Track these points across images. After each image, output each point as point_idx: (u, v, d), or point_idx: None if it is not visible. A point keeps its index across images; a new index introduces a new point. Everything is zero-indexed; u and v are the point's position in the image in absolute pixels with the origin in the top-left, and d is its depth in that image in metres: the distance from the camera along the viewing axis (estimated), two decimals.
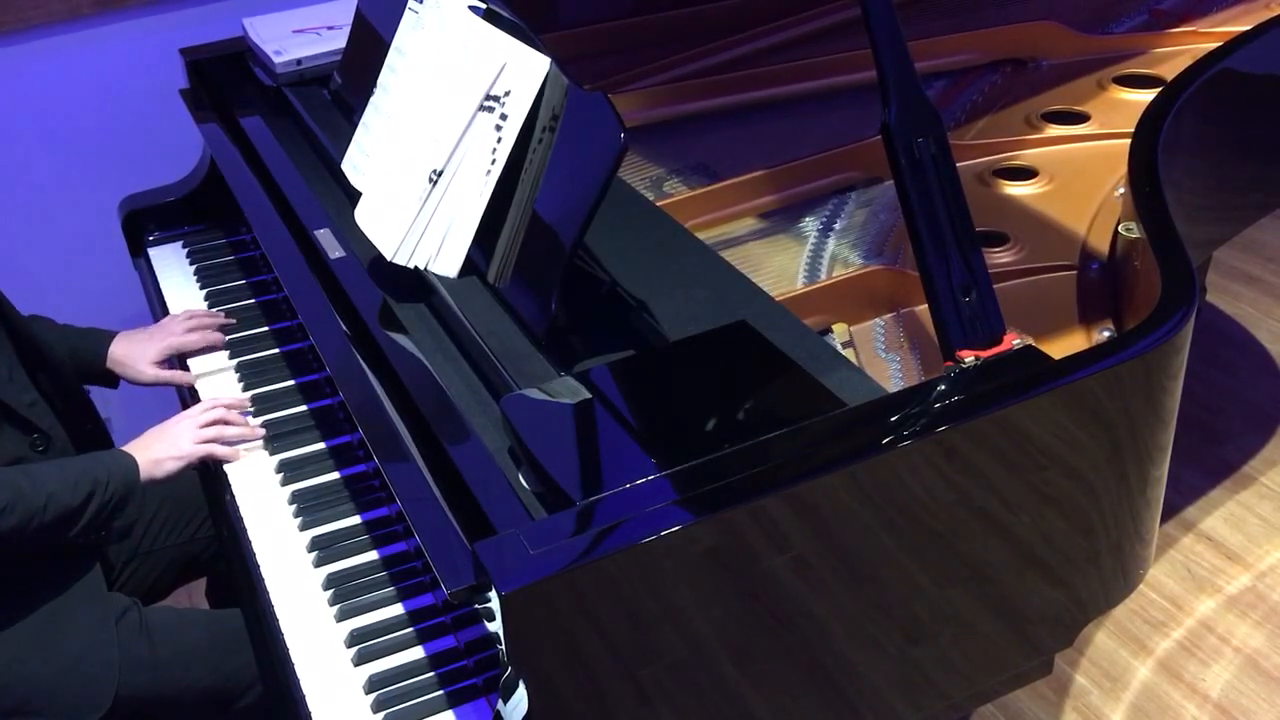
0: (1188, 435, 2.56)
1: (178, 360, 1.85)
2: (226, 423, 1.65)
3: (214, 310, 1.93)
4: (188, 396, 1.82)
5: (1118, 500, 1.35)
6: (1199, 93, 1.78)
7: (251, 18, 2.13)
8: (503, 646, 1.07)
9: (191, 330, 1.85)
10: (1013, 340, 1.29)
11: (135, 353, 1.82)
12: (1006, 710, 2.14)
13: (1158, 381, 1.32)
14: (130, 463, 1.55)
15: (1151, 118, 1.70)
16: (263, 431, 1.68)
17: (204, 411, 1.66)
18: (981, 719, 2.13)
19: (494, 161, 1.46)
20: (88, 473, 1.50)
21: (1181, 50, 2.16)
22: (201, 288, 2.03)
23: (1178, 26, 2.22)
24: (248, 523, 1.56)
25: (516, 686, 1.09)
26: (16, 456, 1.54)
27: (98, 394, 1.88)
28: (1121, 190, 1.81)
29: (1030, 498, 1.27)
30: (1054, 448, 1.25)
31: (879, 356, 1.56)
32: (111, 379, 1.86)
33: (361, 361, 1.45)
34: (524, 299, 1.41)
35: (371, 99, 1.68)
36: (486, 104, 1.47)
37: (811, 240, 1.77)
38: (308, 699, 1.33)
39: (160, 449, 1.59)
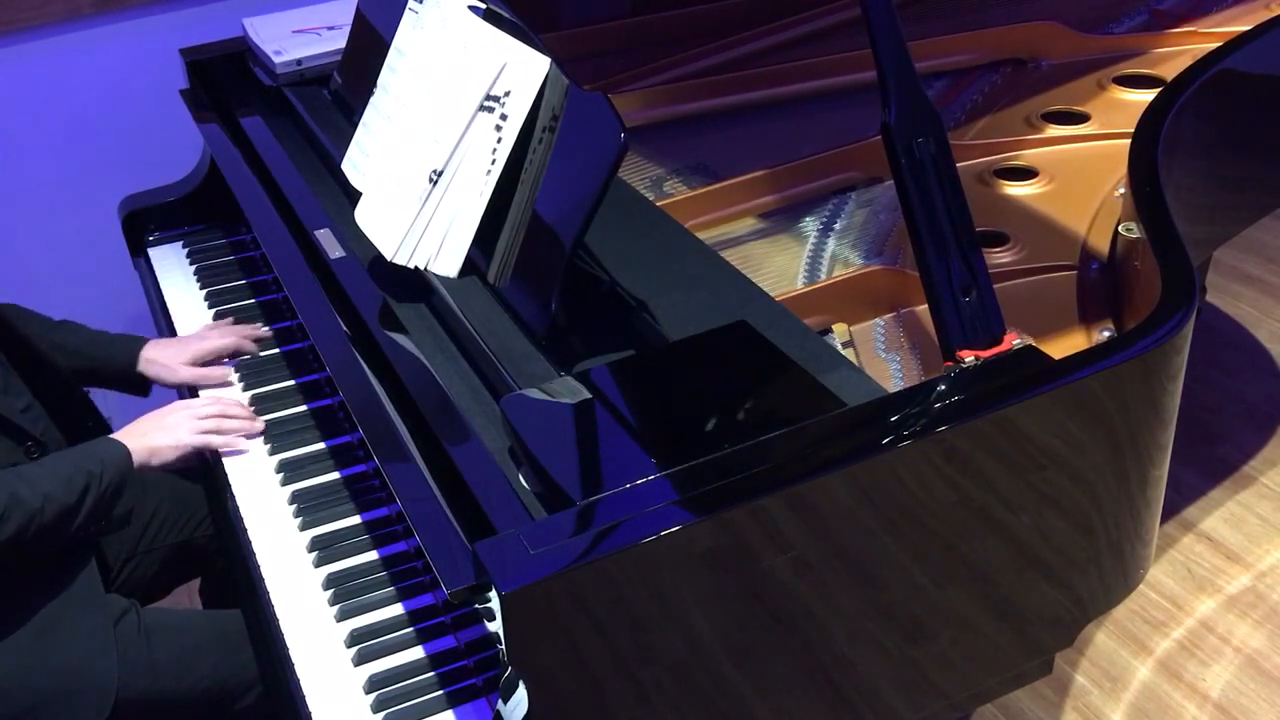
0: (1188, 435, 2.56)
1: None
2: (226, 415, 1.65)
3: (239, 323, 1.92)
4: (185, 390, 1.82)
5: (1118, 500, 1.35)
6: (1199, 93, 1.77)
7: (251, 18, 2.13)
8: (503, 646, 1.07)
9: (225, 337, 1.84)
10: (1013, 340, 1.29)
11: (170, 354, 1.82)
12: (1006, 710, 2.14)
13: (1157, 381, 1.32)
14: (122, 450, 1.55)
15: (1151, 118, 1.70)
16: (262, 425, 1.68)
17: (205, 404, 1.66)
18: (981, 719, 2.13)
19: (494, 161, 1.46)
20: (81, 467, 1.49)
21: (1181, 50, 2.16)
22: (201, 288, 2.04)
23: (1178, 26, 2.22)
24: (248, 523, 1.56)
25: (516, 686, 1.09)
26: (11, 463, 1.53)
27: (98, 395, 1.88)
28: (1121, 190, 1.81)
29: (1030, 498, 1.27)
30: (1054, 448, 1.25)
31: (879, 356, 1.56)
32: (141, 386, 1.86)
33: (361, 361, 1.45)
34: (524, 299, 1.41)
35: (371, 99, 1.69)
36: (486, 104, 1.47)
37: (811, 240, 1.77)
38: (308, 699, 1.33)
39: (157, 437, 1.59)
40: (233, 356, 1.84)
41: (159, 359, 1.82)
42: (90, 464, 1.50)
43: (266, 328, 1.89)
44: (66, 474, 1.48)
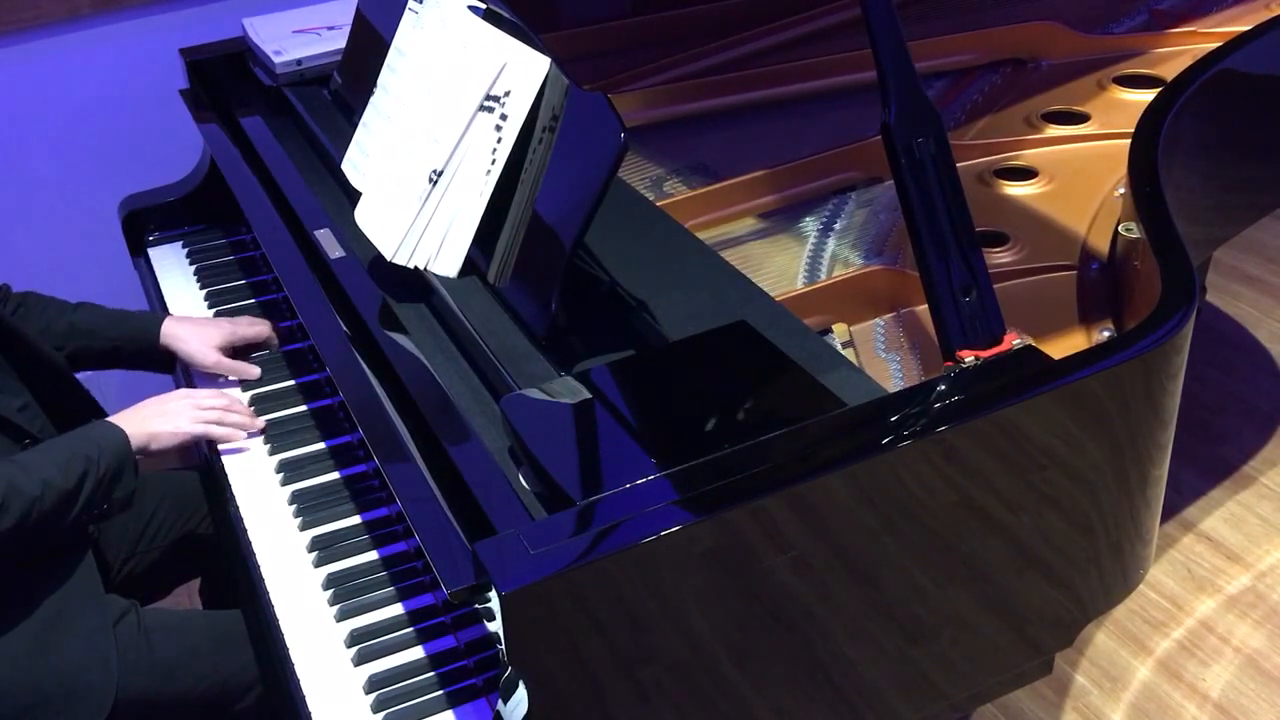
0: (1188, 435, 2.56)
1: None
2: (229, 409, 1.65)
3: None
4: (183, 380, 1.82)
5: (1117, 500, 1.35)
6: (1199, 93, 1.78)
7: (251, 18, 2.13)
8: (503, 646, 1.07)
9: (256, 324, 1.84)
10: (1013, 340, 1.29)
11: (199, 333, 1.79)
12: (1006, 710, 2.14)
13: (1157, 381, 1.32)
14: (119, 434, 1.54)
15: (1151, 118, 1.70)
16: (262, 423, 1.68)
17: (208, 396, 1.66)
18: (982, 719, 2.13)
19: (494, 161, 1.46)
20: (78, 452, 1.48)
21: (1181, 50, 2.16)
22: (201, 288, 2.04)
23: (1178, 26, 2.22)
24: (248, 523, 1.56)
25: (516, 686, 1.09)
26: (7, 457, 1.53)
27: (97, 392, 1.88)
28: (1121, 190, 1.81)
29: (1030, 498, 1.27)
30: (1054, 448, 1.25)
31: (879, 356, 1.56)
32: (165, 363, 1.85)
33: (361, 361, 1.45)
34: (524, 299, 1.41)
35: (371, 99, 1.69)
36: (486, 104, 1.47)
37: (811, 240, 1.77)
38: (308, 699, 1.33)
39: (156, 423, 1.58)
40: (255, 350, 1.84)
41: (190, 337, 1.79)
42: (87, 449, 1.50)
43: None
44: (64, 459, 1.47)
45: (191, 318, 1.86)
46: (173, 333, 1.80)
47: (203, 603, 2.05)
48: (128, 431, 1.55)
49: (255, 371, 1.79)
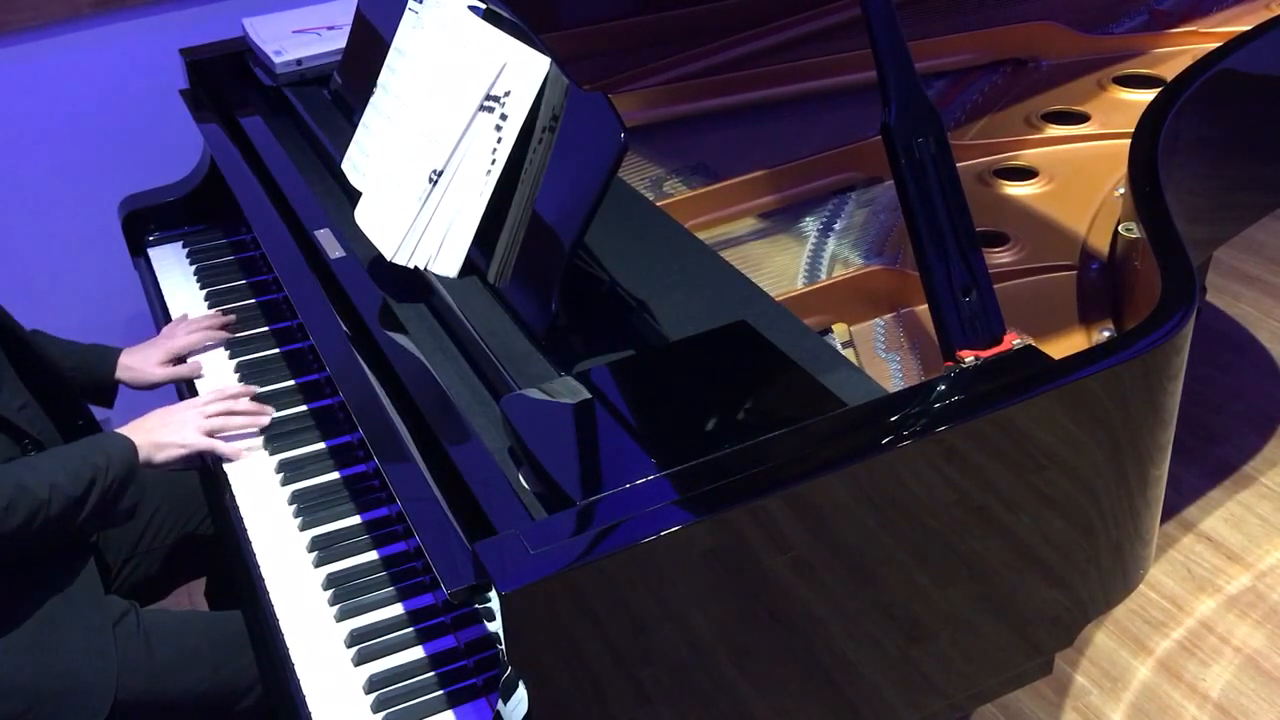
0: (1188, 435, 2.57)
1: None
2: (233, 412, 1.65)
3: (212, 311, 1.93)
4: (185, 390, 1.83)
5: (1117, 500, 1.35)
6: (1199, 93, 1.78)
7: (251, 18, 2.13)
8: (503, 646, 1.07)
9: (192, 332, 1.86)
10: (1013, 340, 1.29)
11: (140, 357, 1.85)
12: (1006, 710, 2.14)
13: (1157, 381, 1.32)
14: (128, 445, 1.54)
15: (1151, 118, 1.70)
16: (269, 416, 1.68)
17: (210, 401, 1.66)
18: (981, 719, 2.13)
19: (494, 161, 1.46)
20: (87, 460, 1.49)
21: (1181, 50, 2.16)
22: (201, 288, 2.04)
23: (1178, 26, 2.23)
24: (248, 523, 1.56)
25: (516, 686, 1.09)
26: (7, 458, 1.53)
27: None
28: (1121, 190, 1.81)
29: (1030, 498, 1.27)
30: (1054, 448, 1.25)
31: (879, 356, 1.56)
32: (108, 397, 1.88)
33: (361, 361, 1.45)
34: (524, 299, 1.41)
35: (371, 99, 1.69)
36: (486, 104, 1.47)
37: (811, 240, 1.77)
38: (308, 699, 1.33)
39: (163, 434, 1.59)
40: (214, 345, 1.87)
41: (133, 364, 1.85)
42: (96, 457, 1.50)
43: (231, 314, 1.92)
44: (73, 466, 1.48)
45: (140, 346, 1.88)
46: (121, 364, 1.85)
47: (208, 604, 2.05)
48: (135, 442, 1.55)
49: (195, 369, 1.83)
